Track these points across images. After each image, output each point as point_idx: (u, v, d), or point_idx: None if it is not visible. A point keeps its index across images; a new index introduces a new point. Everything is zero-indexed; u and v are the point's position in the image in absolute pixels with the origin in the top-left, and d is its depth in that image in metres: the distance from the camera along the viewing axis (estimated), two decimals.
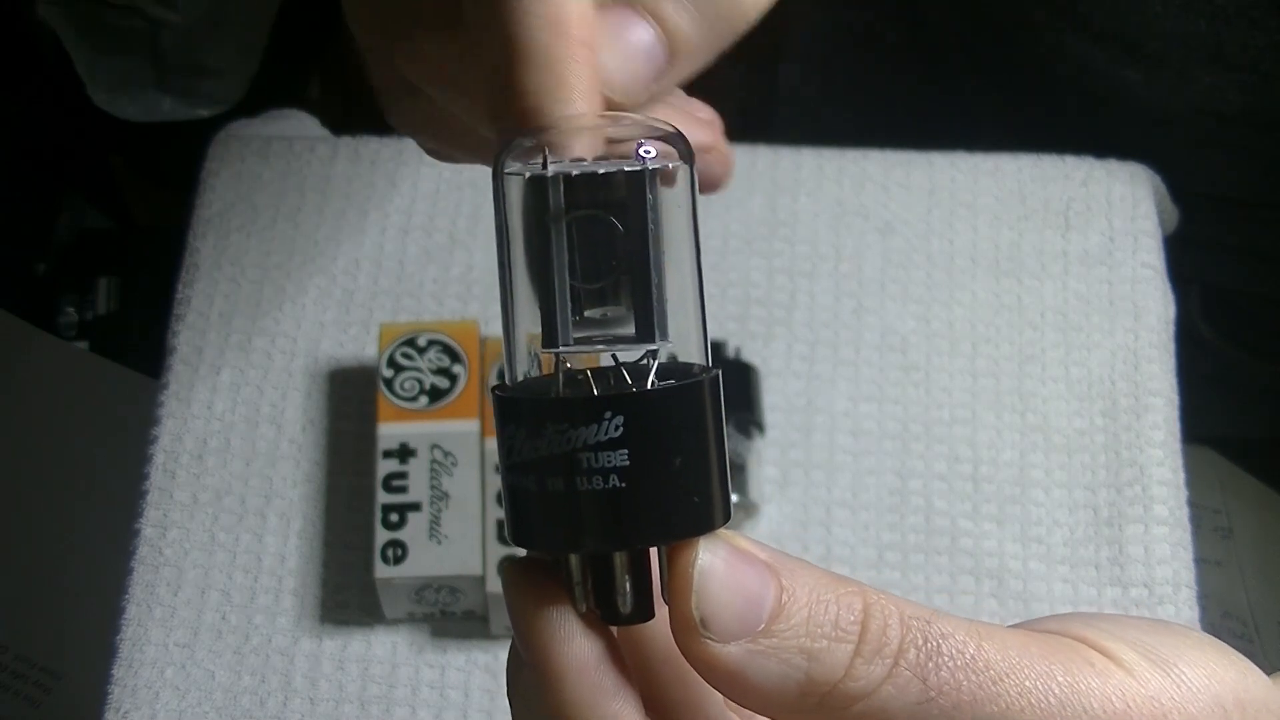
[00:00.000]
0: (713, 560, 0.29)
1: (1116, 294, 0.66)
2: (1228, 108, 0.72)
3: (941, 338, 0.65)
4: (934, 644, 0.29)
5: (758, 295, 0.66)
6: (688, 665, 0.30)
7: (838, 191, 0.68)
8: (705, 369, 0.30)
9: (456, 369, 0.61)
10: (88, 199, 1.18)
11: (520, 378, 0.31)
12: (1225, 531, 0.90)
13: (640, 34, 0.31)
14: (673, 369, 0.30)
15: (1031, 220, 0.68)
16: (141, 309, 1.06)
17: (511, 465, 0.30)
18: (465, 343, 0.61)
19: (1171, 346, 0.65)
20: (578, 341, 0.30)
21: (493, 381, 0.60)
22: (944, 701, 0.29)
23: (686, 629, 0.29)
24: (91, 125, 1.10)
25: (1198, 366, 0.70)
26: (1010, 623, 0.59)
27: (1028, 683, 0.29)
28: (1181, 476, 0.62)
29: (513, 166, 0.30)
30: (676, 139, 0.30)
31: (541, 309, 0.30)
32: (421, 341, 0.61)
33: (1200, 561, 0.62)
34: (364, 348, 0.64)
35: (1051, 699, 0.29)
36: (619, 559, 0.30)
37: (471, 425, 0.59)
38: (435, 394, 0.60)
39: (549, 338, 0.30)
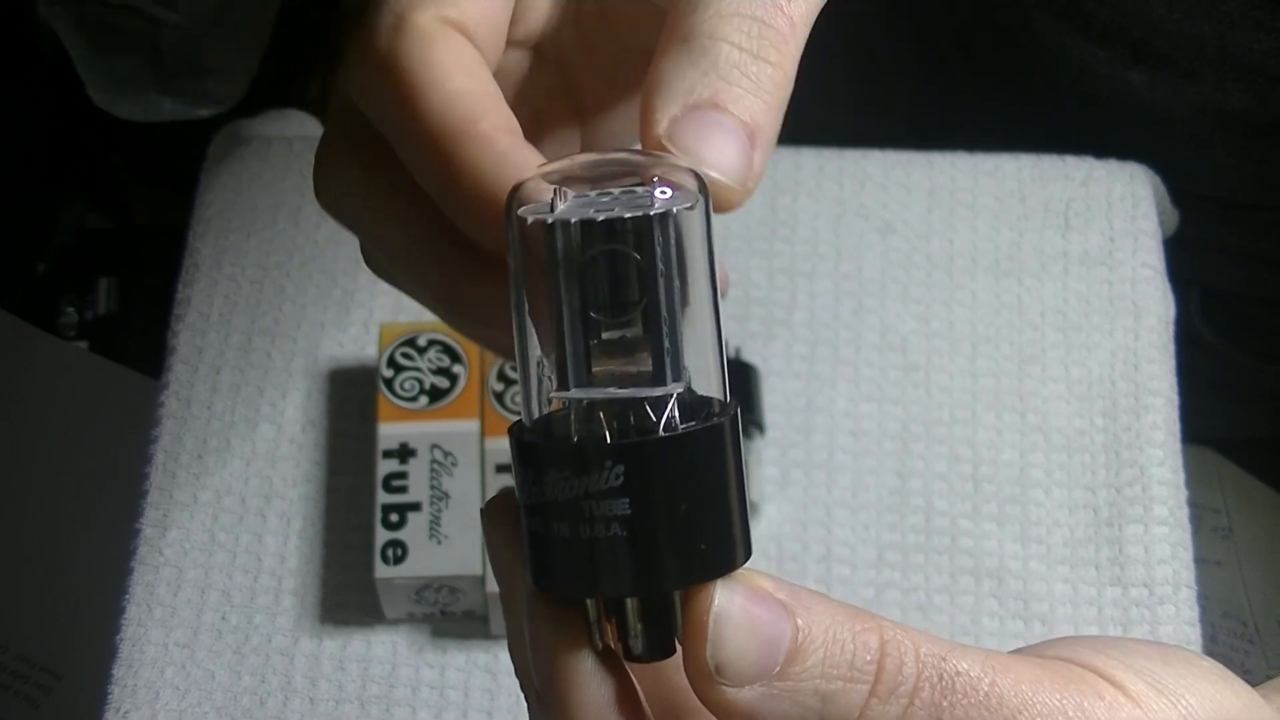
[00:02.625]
0: (728, 606, 0.29)
1: (1116, 294, 0.66)
2: (1230, 110, 0.72)
3: (941, 338, 0.65)
4: (948, 681, 0.29)
5: (758, 295, 0.66)
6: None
7: (838, 191, 0.68)
8: (724, 404, 0.30)
9: (456, 369, 0.61)
10: (88, 199, 1.18)
11: (536, 414, 0.30)
12: (1225, 531, 0.90)
13: (727, 132, 0.31)
14: (692, 404, 0.30)
15: (1031, 220, 0.68)
16: (141, 309, 1.06)
17: (526, 507, 0.30)
18: (465, 343, 0.61)
19: (1171, 347, 0.65)
20: (592, 382, 0.29)
21: (493, 384, 0.60)
22: None
23: (701, 675, 0.29)
24: (91, 125, 1.10)
25: (1198, 368, 0.70)
26: (1010, 623, 0.60)
27: (1040, 719, 0.30)
28: (1181, 476, 0.62)
29: (523, 209, 0.29)
30: (687, 176, 0.30)
31: (555, 352, 0.29)
32: (421, 341, 0.61)
33: (1200, 561, 0.62)
34: (364, 348, 0.64)
35: None
36: (631, 603, 0.30)
37: (472, 425, 0.59)
38: (435, 394, 0.60)
39: (561, 381, 0.29)
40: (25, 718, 0.90)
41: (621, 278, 0.29)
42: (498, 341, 0.36)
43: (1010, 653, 0.31)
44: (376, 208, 0.36)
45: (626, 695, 0.30)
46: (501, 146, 0.32)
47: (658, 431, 0.29)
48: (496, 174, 0.31)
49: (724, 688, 0.29)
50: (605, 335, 0.29)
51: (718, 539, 0.29)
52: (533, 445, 0.29)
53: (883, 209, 0.68)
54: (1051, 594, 0.59)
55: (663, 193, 0.29)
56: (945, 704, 0.29)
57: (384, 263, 0.37)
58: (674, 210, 0.29)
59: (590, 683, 0.30)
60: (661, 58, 0.32)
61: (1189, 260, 0.73)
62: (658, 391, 0.29)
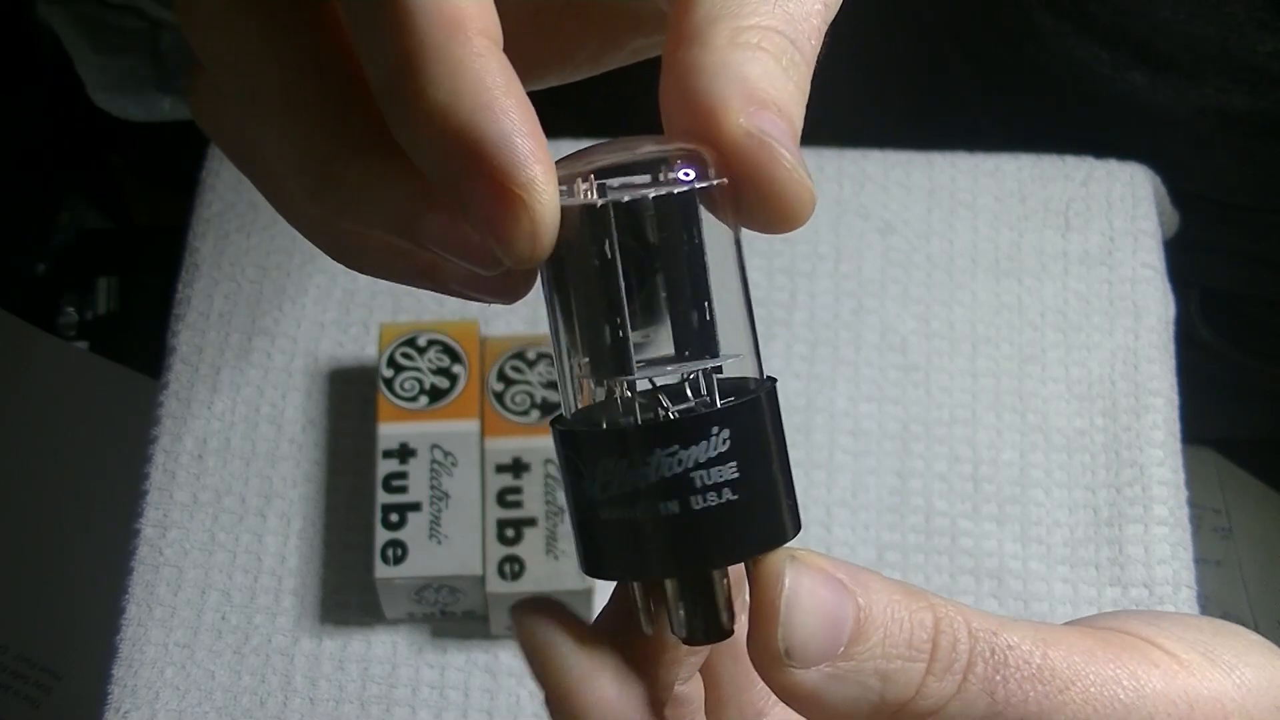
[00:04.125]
0: (797, 588, 0.29)
1: (1116, 294, 0.66)
2: (1232, 111, 0.72)
3: (941, 338, 0.65)
4: (1001, 655, 0.29)
5: (758, 295, 0.66)
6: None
7: (838, 191, 0.68)
8: (760, 380, 0.30)
9: (456, 369, 0.61)
10: (88, 199, 1.18)
11: (575, 407, 0.30)
12: (1225, 531, 0.90)
13: (784, 128, 0.29)
14: (721, 384, 0.30)
15: (1031, 220, 0.68)
16: (141, 309, 1.06)
17: (614, 498, 0.29)
18: (465, 343, 0.61)
19: (1171, 347, 0.65)
20: (642, 365, 0.29)
21: (493, 384, 0.60)
22: (1011, 714, 0.29)
23: (770, 658, 0.29)
24: (91, 125, 1.10)
25: (1198, 368, 0.70)
26: None
27: (1093, 689, 0.29)
28: (1181, 476, 0.62)
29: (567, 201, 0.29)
30: (703, 156, 0.29)
31: (600, 338, 0.29)
32: (421, 341, 0.61)
33: (1200, 561, 0.62)
34: (364, 348, 0.64)
35: (1117, 704, 0.30)
36: (718, 576, 0.30)
37: (472, 425, 0.59)
38: (435, 394, 0.60)
39: (619, 365, 0.29)
40: (25, 718, 0.90)
41: (665, 256, 0.29)
42: (360, 244, 0.32)
43: (1063, 625, 0.31)
44: (252, 37, 0.30)
45: (639, 693, 0.31)
46: (492, 62, 0.28)
47: (716, 403, 0.29)
48: (475, 93, 0.27)
49: (792, 670, 0.29)
50: (644, 312, 0.29)
51: (794, 502, 0.30)
52: (631, 429, 0.29)
53: (883, 209, 0.68)
54: (1051, 594, 0.59)
55: (687, 173, 0.29)
56: (999, 678, 0.29)
57: (226, 108, 0.32)
58: (710, 183, 0.29)
59: (606, 682, 0.30)
60: (702, 49, 0.29)
61: (1189, 261, 0.73)
62: (712, 362, 0.29)
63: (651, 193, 0.28)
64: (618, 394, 0.30)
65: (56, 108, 1.13)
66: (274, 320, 0.65)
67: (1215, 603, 0.86)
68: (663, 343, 0.29)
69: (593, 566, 0.30)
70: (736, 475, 0.29)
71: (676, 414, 0.29)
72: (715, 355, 0.29)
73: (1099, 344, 0.65)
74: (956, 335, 0.65)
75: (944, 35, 0.83)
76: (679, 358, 0.29)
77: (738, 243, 0.30)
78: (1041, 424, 0.63)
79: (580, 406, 0.30)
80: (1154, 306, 0.65)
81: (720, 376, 0.30)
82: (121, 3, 1.03)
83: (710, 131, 0.28)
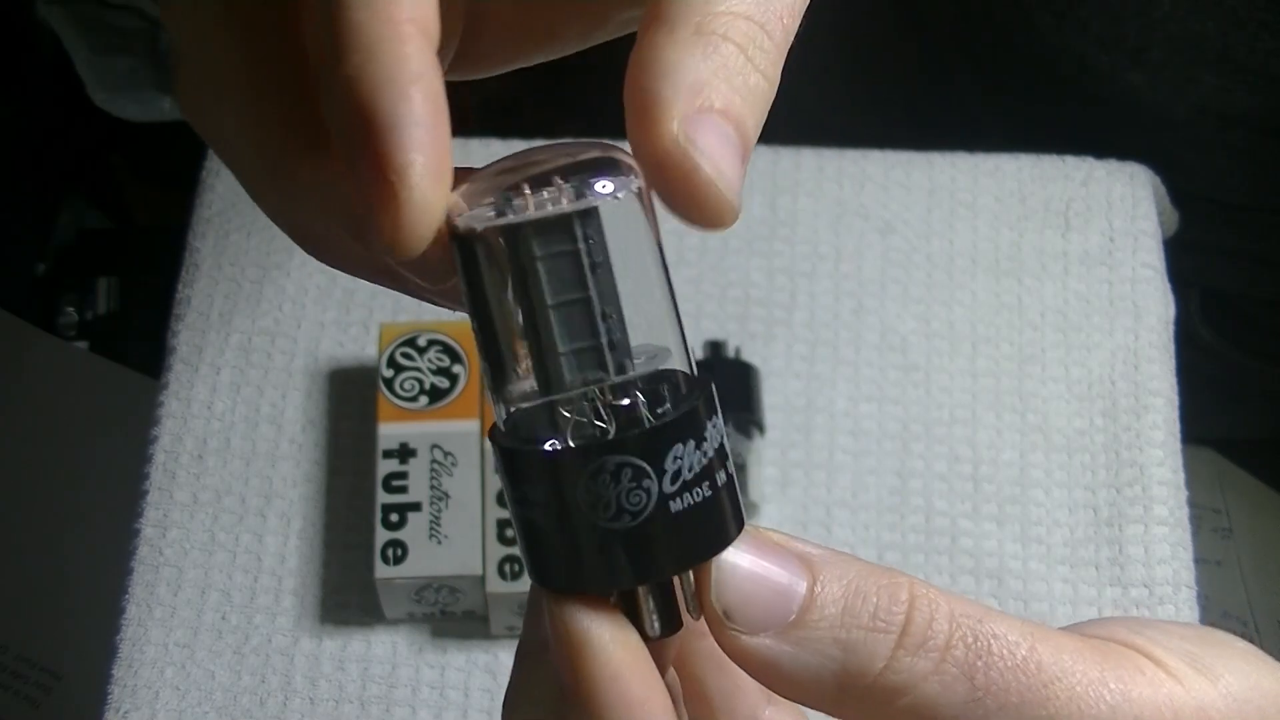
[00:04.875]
0: (735, 555, 0.29)
1: (1116, 294, 0.66)
2: (1232, 110, 0.72)
3: (941, 338, 0.65)
4: (984, 643, 0.29)
5: (758, 295, 0.66)
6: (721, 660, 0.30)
7: (838, 191, 0.68)
8: (690, 377, 0.30)
9: (457, 369, 0.61)
10: (88, 199, 1.18)
11: (504, 427, 0.30)
12: (1225, 531, 0.90)
13: (731, 145, 0.29)
14: (651, 382, 0.30)
15: (1031, 220, 0.68)
16: (141, 309, 1.06)
17: (573, 507, 0.29)
18: (465, 342, 0.61)
19: (1171, 347, 0.65)
20: (577, 375, 0.29)
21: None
22: (991, 702, 0.29)
23: (714, 622, 0.29)
24: (91, 125, 1.10)
25: (1198, 368, 0.70)
26: None
27: (1079, 688, 0.29)
28: (1181, 476, 0.62)
29: (471, 220, 0.29)
30: (619, 161, 0.29)
31: (536, 355, 0.29)
32: (421, 341, 0.61)
33: (1200, 561, 0.62)
34: (364, 348, 0.64)
35: (1103, 705, 0.29)
36: (683, 575, 0.30)
37: (472, 425, 0.59)
38: (435, 394, 0.60)
39: (556, 381, 0.29)
40: (25, 718, 0.90)
41: (583, 269, 0.29)
42: (322, 236, 0.32)
43: (1053, 628, 0.31)
44: (216, 23, 0.31)
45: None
46: (411, 49, 0.27)
47: (648, 412, 0.29)
48: (384, 72, 0.27)
49: (738, 634, 0.29)
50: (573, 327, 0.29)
51: (735, 501, 0.30)
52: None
53: (883, 209, 0.68)
54: (1051, 594, 0.59)
55: (604, 187, 0.29)
56: (980, 664, 0.29)
57: (200, 96, 0.32)
58: (630, 191, 0.29)
59: (646, 669, 0.30)
60: (667, 39, 0.29)
61: (1189, 261, 0.73)
62: (653, 361, 0.29)
63: (563, 207, 0.28)
64: (547, 409, 0.29)
65: (56, 108, 1.13)
66: (274, 320, 0.65)
67: (1215, 603, 0.86)
68: (576, 361, 0.29)
69: (573, 579, 0.30)
70: (645, 500, 0.29)
71: (611, 429, 0.29)
72: (631, 370, 0.29)
73: (1099, 344, 0.65)
74: (956, 335, 0.65)
75: (944, 36, 0.83)
76: (607, 371, 0.29)
77: (658, 242, 0.30)
78: (1041, 424, 0.63)
79: (515, 410, 0.30)
80: (1154, 306, 0.65)
81: (657, 372, 0.30)
82: (121, 3, 1.03)
83: (645, 134, 0.29)
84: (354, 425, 0.63)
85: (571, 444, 0.29)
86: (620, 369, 0.29)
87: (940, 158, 0.69)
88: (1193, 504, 0.62)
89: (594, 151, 0.29)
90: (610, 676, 0.29)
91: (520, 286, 0.29)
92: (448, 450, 0.59)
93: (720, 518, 0.30)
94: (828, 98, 0.82)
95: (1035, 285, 0.66)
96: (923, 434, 0.63)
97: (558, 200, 0.29)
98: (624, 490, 0.29)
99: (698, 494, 0.29)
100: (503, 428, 0.30)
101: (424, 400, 0.60)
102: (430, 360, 0.61)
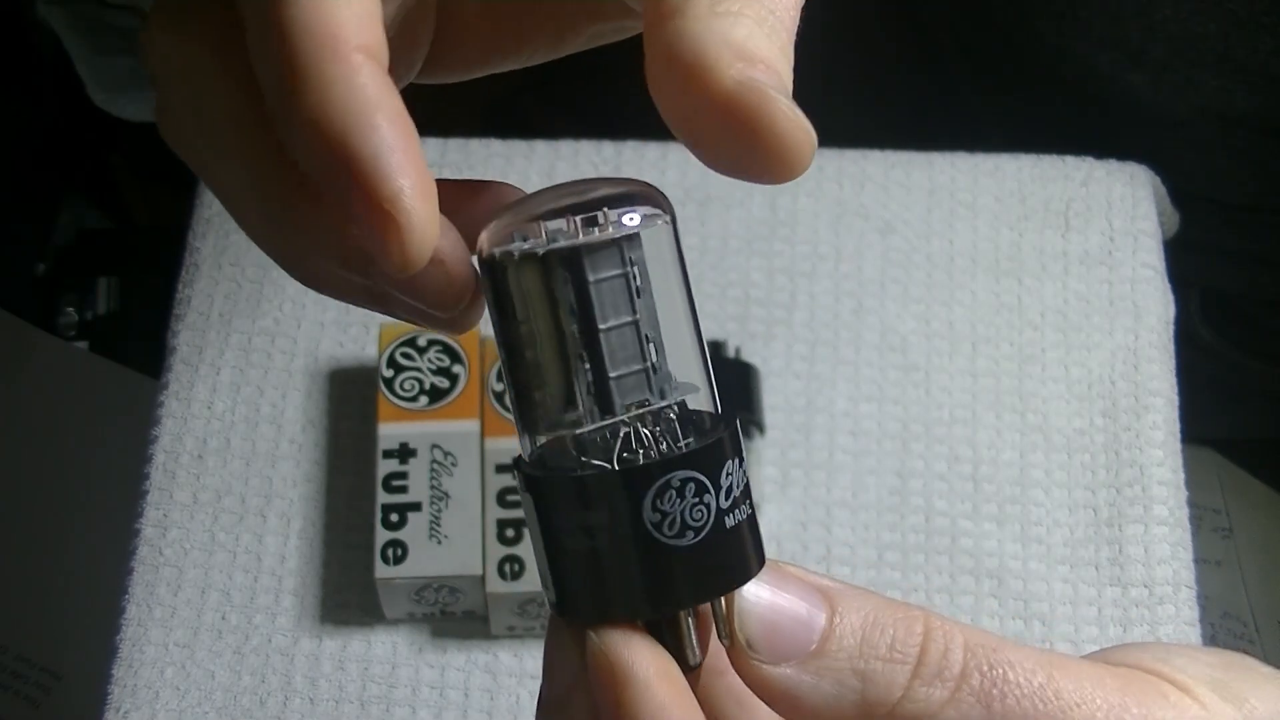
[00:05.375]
0: (758, 587, 0.30)
1: (1116, 294, 0.66)
2: (1232, 111, 0.72)
3: (941, 338, 0.65)
4: (1000, 671, 0.29)
5: (758, 295, 0.66)
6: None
7: (838, 191, 0.68)
8: (717, 416, 0.30)
9: (457, 369, 0.61)
10: (88, 199, 1.18)
11: (531, 449, 0.31)
12: (1225, 531, 0.90)
13: (776, 79, 0.29)
14: (685, 421, 0.30)
15: (1031, 220, 0.68)
16: (141, 309, 1.06)
17: (625, 535, 0.29)
18: (465, 343, 0.61)
19: (1171, 347, 0.65)
20: (616, 404, 0.29)
21: (493, 384, 0.60)
22: None
23: (737, 653, 0.30)
24: (91, 125, 1.10)
25: (1198, 368, 0.70)
26: (1010, 623, 0.60)
27: (1099, 714, 0.29)
28: (1181, 476, 0.62)
29: (519, 247, 0.29)
30: (651, 194, 0.30)
31: (585, 380, 0.29)
32: (421, 341, 0.61)
33: (1200, 561, 0.62)
34: (364, 348, 0.64)
35: None
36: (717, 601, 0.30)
37: (472, 425, 0.59)
38: (435, 394, 0.60)
39: (606, 405, 0.29)
40: (25, 718, 0.90)
41: (631, 294, 0.29)
42: (315, 269, 0.33)
43: (1074, 656, 0.31)
44: (205, 69, 0.31)
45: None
46: (364, 78, 0.28)
47: (679, 445, 0.29)
48: (346, 108, 0.27)
49: (759, 664, 0.29)
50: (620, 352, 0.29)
51: (756, 538, 0.31)
52: (643, 466, 0.29)
53: (883, 209, 0.68)
54: (1051, 594, 0.59)
55: (643, 213, 0.29)
56: (995, 692, 0.29)
57: (186, 131, 0.33)
58: (665, 220, 0.29)
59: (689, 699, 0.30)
60: (683, 18, 0.28)
61: (1189, 261, 0.73)
62: (686, 394, 0.30)
63: (611, 233, 0.29)
64: (578, 437, 0.30)
65: (56, 108, 1.13)
66: (274, 320, 0.65)
67: (1215, 603, 0.86)
68: (624, 385, 0.29)
69: (630, 604, 0.30)
70: (706, 515, 0.29)
71: (640, 458, 0.29)
72: (671, 395, 0.30)
73: (1099, 344, 0.65)
74: (956, 335, 0.65)
75: (945, 36, 0.83)
76: (639, 401, 0.29)
77: (684, 274, 0.30)
78: (1041, 424, 0.63)
79: (543, 444, 0.30)
80: (1154, 306, 0.65)
81: (685, 409, 0.30)
82: (121, 3, 1.03)
83: (702, 88, 0.28)
84: (354, 425, 0.63)
85: (629, 462, 0.29)
86: (662, 393, 0.30)
87: (940, 158, 0.69)
88: (1193, 504, 0.62)
89: (627, 185, 0.30)
90: (657, 707, 0.29)
91: (573, 311, 0.29)
92: (448, 450, 0.59)
93: (757, 536, 0.30)
94: (828, 98, 0.82)
95: (1035, 285, 0.66)
96: (923, 434, 0.63)
97: (604, 227, 0.29)
98: (688, 506, 0.29)
99: (742, 511, 0.30)
100: (528, 459, 0.30)
101: (424, 400, 0.60)
102: (430, 360, 0.61)
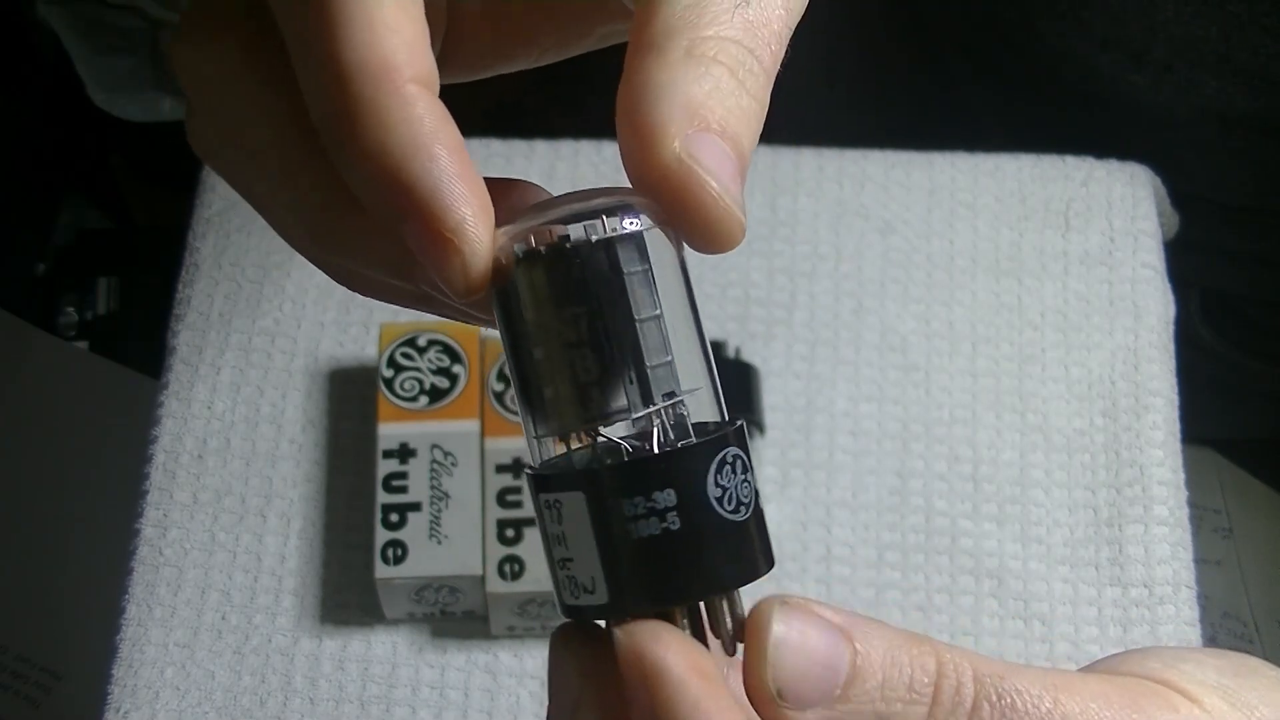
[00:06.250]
0: (787, 631, 0.29)
1: (1116, 294, 0.66)
2: (1233, 112, 0.72)
3: (941, 338, 0.65)
4: (1009, 699, 0.29)
5: (758, 295, 0.66)
6: None
7: (838, 191, 0.68)
8: (721, 422, 0.31)
9: (457, 369, 0.61)
10: (88, 199, 1.18)
11: (545, 456, 0.31)
12: (1225, 531, 0.90)
13: (731, 162, 0.29)
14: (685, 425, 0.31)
15: (1031, 220, 0.68)
16: (141, 309, 1.06)
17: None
18: (465, 343, 0.61)
19: (1171, 347, 0.65)
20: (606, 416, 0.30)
21: (494, 384, 0.60)
22: None
23: (764, 699, 0.29)
24: (91, 125, 1.10)
25: (1198, 368, 0.70)
26: (1010, 623, 0.59)
27: None
28: (1181, 476, 0.62)
29: (543, 242, 0.29)
30: (649, 203, 0.30)
31: (561, 389, 0.30)
32: (422, 341, 0.61)
33: (1200, 561, 0.62)
34: (364, 348, 0.64)
35: None
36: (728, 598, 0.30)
37: (472, 425, 0.59)
38: (435, 394, 0.60)
39: (581, 416, 0.30)
40: (25, 718, 0.90)
41: (654, 288, 0.30)
42: (355, 274, 0.33)
43: (1079, 670, 0.31)
44: (237, 82, 0.31)
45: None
46: (420, 109, 0.28)
47: (686, 438, 0.30)
48: (404, 141, 0.28)
49: (787, 711, 0.29)
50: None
51: (764, 538, 0.31)
52: (593, 473, 0.29)
53: (883, 209, 0.68)
54: (1051, 594, 0.59)
55: (631, 222, 0.29)
56: None
57: (218, 143, 0.32)
58: (647, 228, 0.29)
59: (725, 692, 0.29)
60: (657, 62, 0.29)
61: (1189, 261, 0.73)
62: (688, 393, 0.30)
63: (630, 229, 0.29)
64: (581, 441, 0.30)
65: (56, 108, 1.14)
66: (274, 320, 0.65)
67: (1215, 603, 0.86)
68: (658, 376, 0.30)
69: (690, 584, 0.30)
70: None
71: (551, 468, 0.30)
72: (676, 394, 0.30)
73: (1099, 344, 0.65)
74: (956, 335, 0.65)
75: (945, 36, 0.83)
76: (642, 402, 0.30)
77: (687, 280, 0.31)
78: (1041, 424, 0.63)
79: (552, 456, 0.31)
80: (1154, 306, 0.65)
81: (685, 414, 0.30)
82: (121, 3, 1.03)
83: (645, 156, 0.29)
84: (354, 425, 0.63)
85: (595, 470, 0.29)
86: (648, 401, 0.30)
87: (940, 158, 0.69)
88: (1193, 504, 0.62)
89: (624, 194, 0.30)
90: (691, 705, 0.28)
91: (613, 303, 0.29)
92: (448, 450, 0.59)
93: (748, 552, 0.30)
94: (828, 98, 0.82)
95: (1035, 285, 0.66)
96: (923, 434, 0.63)
97: (617, 228, 0.29)
98: (739, 482, 0.29)
99: (759, 496, 0.30)
100: (554, 460, 0.31)
101: (424, 400, 0.60)
102: (430, 360, 0.61)
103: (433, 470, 0.58)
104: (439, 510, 0.58)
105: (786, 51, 0.31)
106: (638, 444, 0.29)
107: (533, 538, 0.57)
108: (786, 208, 0.68)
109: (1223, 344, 0.84)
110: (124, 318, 1.07)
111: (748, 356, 0.64)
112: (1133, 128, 0.76)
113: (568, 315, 0.30)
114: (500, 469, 0.58)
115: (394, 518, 0.57)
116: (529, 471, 0.31)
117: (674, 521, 0.29)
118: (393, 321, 0.63)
